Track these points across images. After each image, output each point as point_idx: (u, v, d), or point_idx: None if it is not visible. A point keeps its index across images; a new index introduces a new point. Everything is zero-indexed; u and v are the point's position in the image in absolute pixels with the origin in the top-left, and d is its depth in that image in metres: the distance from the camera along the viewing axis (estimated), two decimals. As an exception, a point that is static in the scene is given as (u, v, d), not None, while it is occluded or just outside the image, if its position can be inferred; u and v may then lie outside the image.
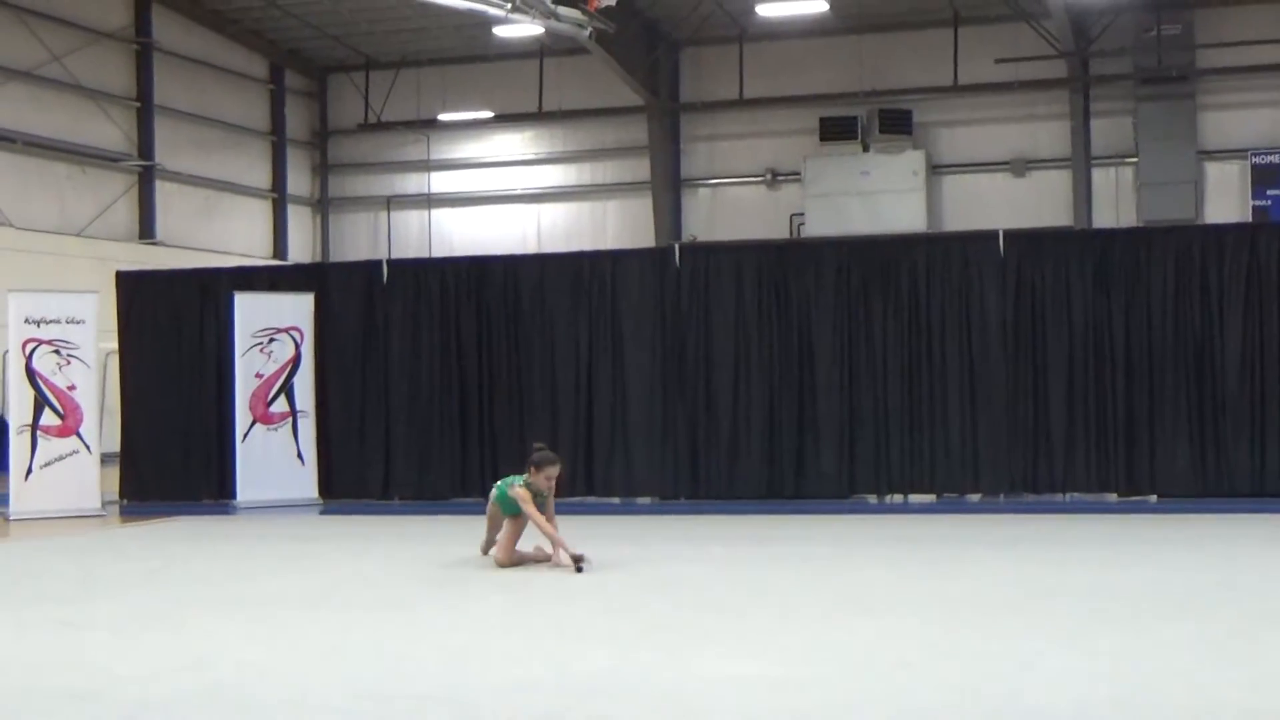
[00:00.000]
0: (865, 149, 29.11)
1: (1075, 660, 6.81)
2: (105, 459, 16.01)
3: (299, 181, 33.59)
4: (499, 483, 10.79)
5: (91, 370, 15.65)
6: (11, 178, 25.48)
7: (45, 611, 8.95)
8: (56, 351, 15.42)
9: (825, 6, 26.03)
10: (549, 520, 10.47)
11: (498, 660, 7.11)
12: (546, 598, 9.21)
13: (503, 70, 31.42)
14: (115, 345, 17.29)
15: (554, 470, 10.58)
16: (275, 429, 16.19)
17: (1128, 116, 28.08)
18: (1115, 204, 28.36)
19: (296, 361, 16.33)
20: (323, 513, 15.81)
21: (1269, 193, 27.16)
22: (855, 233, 26.10)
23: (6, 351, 16.11)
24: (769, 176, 30.56)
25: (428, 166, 33.11)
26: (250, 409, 16.12)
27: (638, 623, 8.18)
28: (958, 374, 15.08)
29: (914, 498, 15.16)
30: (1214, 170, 27.91)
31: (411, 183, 33.37)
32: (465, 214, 32.95)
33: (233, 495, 16.11)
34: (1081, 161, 28.36)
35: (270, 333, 16.23)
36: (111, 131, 27.86)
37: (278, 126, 32.78)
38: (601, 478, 15.85)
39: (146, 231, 28.41)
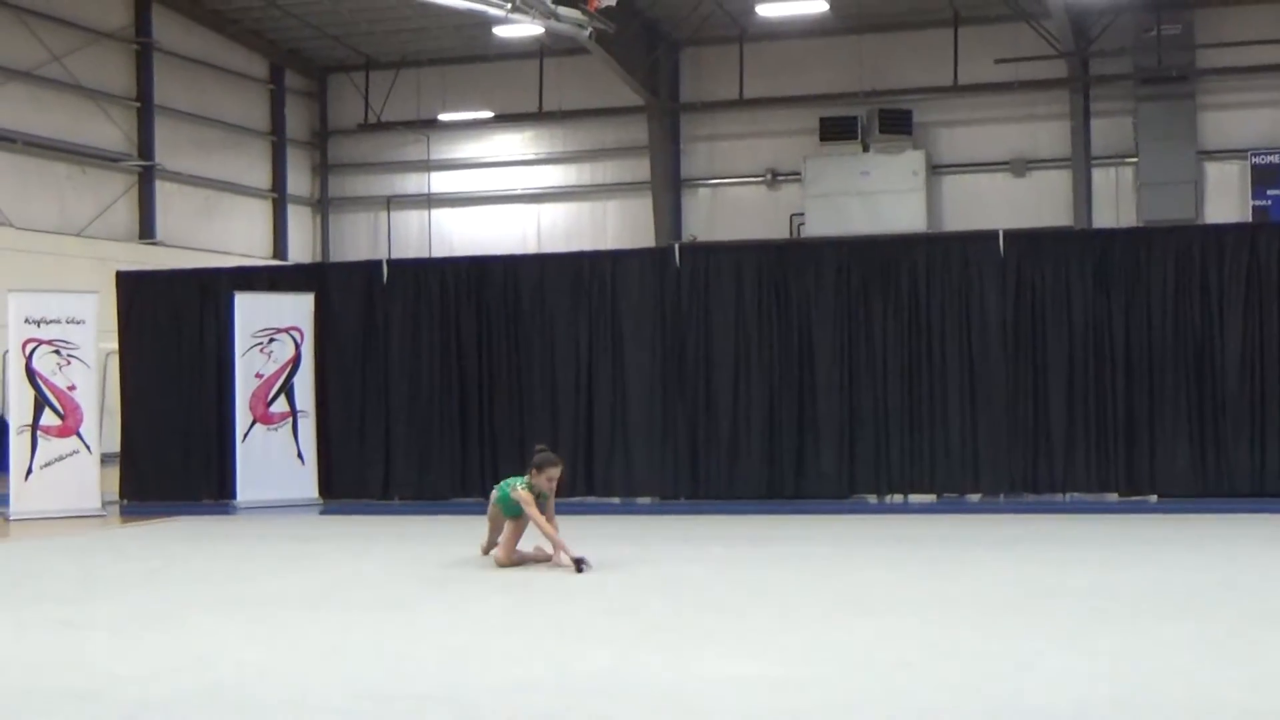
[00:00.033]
0: (865, 149, 29.12)
1: (1075, 660, 6.81)
2: (105, 459, 16.01)
3: (299, 181, 33.59)
4: (501, 484, 10.80)
5: (92, 370, 15.65)
6: (11, 178, 25.48)
7: (45, 611, 8.95)
8: (57, 351, 15.41)
9: (825, 6, 26.04)
10: (549, 521, 10.47)
11: (498, 660, 7.10)
12: (546, 598, 9.21)
13: (503, 70, 31.43)
14: (115, 345, 17.29)
15: (555, 471, 10.59)
16: (275, 429, 16.19)
17: (1128, 116, 28.09)
18: (1115, 204, 28.37)
19: (296, 361, 16.33)
20: (323, 513, 15.81)
21: (1269, 193, 27.16)
22: (855, 233, 26.10)
23: (6, 351, 16.11)
24: (769, 176, 30.56)
25: (428, 166, 33.12)
26: (250, 409, 16.12)
27: (638, 623, 8.18)
28: (958, 374, 15.08)
29: (914, 498, 15.16)
30: (1214, 170, 27.91)
31: (411, 183, 33.38)
32: (465, 214, 32.95)
33: (233, 495, 16.11)
34: (1081, 161, 28.37)
35: (270, 333, 16.23)
36: (111, 131, 27.86)
37: (278, 126, 32.79)
38: (601, 478, 15.85)
39: (146, 231, 28.42)
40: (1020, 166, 29.08)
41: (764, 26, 28.78)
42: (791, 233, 29.87)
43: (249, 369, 16.14)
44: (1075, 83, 28.32)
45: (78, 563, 11.79)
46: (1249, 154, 27.45)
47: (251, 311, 16.22)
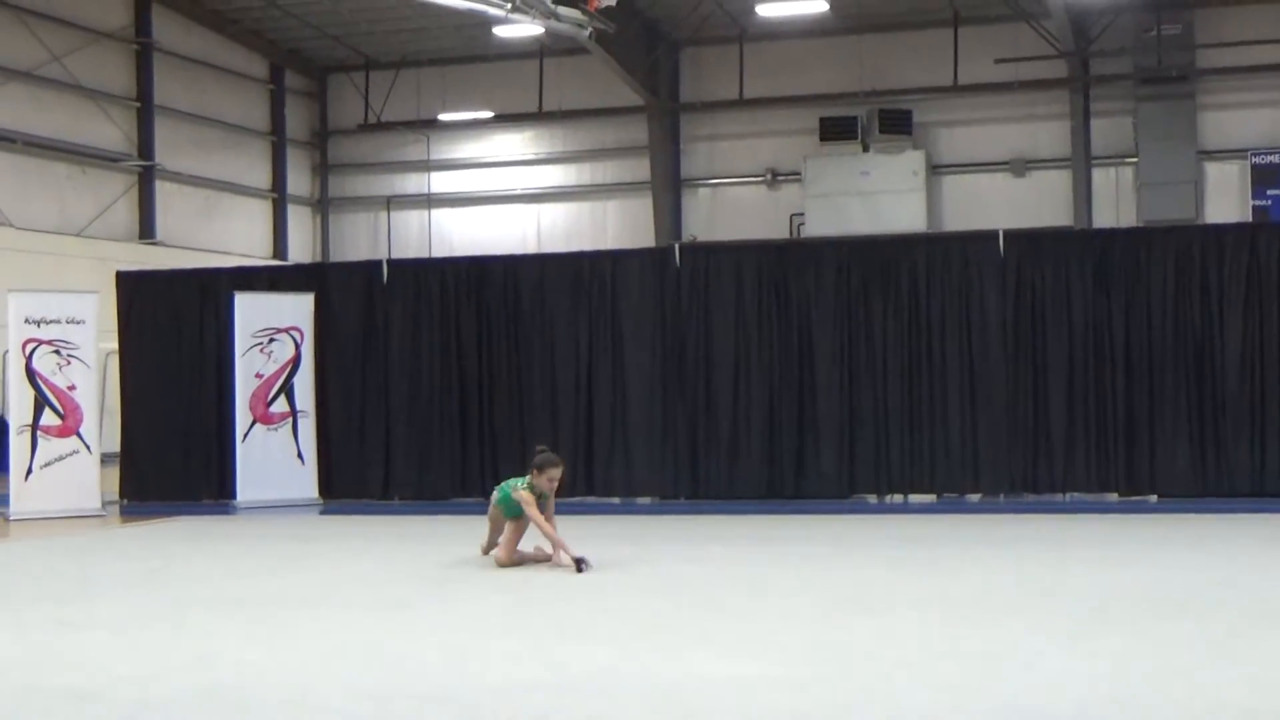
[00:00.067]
0: (865, 149, 29.12)
1: (1075, 660, 6.81)
2: (105, 459, 16.01)
3: (299, 181, 33.59)
4: (502, 484, 10.80)
5: (91, 370, 15.65)
6: (11, 178, 25.48)
7: (45, 611, 8.95)
8: (56, 351, 15.41)
9: (825, 6, 26.03)
10: (549, 521, 10.48)
11: (498, 660, 7.10)
12: (546, 598, 9.21)
13: (503, 70, 31.42)
14: (115, 345, 17.29)
15: (556, 472, 10.59)
16: (275, 429, 16.19)
17: (1128, 116, 28.09)
18: (1115, 204, 28.37)
19: (296, 361, 16.33)
20: (323, 513, 15.81)
21: (1269, 192, 27.17)
22: (855, 233, 26.10)
23: (6, 351, 16.11)
24: (769, 176, 30.56)
25: (428, 166, 33.12)
26: (250, 409, 16.12)
27: (638, 623, 8.18)
28: (958, 374, 15.08)
29: (914, 498, 15.16)
30: (1214, 170, 27.91)
31: (411, 183, 33.38)
32: (465, 214, 32.95)
33: (233, 495, 16.11)
34: (1081, 161, 28.37)
35: (270, 333, 16.24)
36: (111, 131, 27.87)
37: (278, 126, 32.79)
38: (601, 478, 15.85)
39: (146, 231, 28.42)
40: (1020, 166, 29.09)
41: (764, 26, 28.78)
42: (791, 233, 29.87)
43: (249, 369, 16.14)
44: (1075, 83, 28.32)
45: (78, 563, 11.80)
46: (1249, 154, 27.45)
47: (251, 311, 16.22)
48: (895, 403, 15.17)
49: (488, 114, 31.80)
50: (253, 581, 10.28)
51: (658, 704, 6.17)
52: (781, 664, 6.88)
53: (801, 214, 29.62)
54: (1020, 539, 11.85)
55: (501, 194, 32.67)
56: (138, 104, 28.48)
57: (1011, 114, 28.97)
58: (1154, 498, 14.60)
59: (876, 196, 28.74)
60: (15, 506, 15.13)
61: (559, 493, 10.92)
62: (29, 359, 15.32)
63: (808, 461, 15.34)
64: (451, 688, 6.54)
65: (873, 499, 15.24)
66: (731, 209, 30.85)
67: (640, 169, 31.18)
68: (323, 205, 34.09)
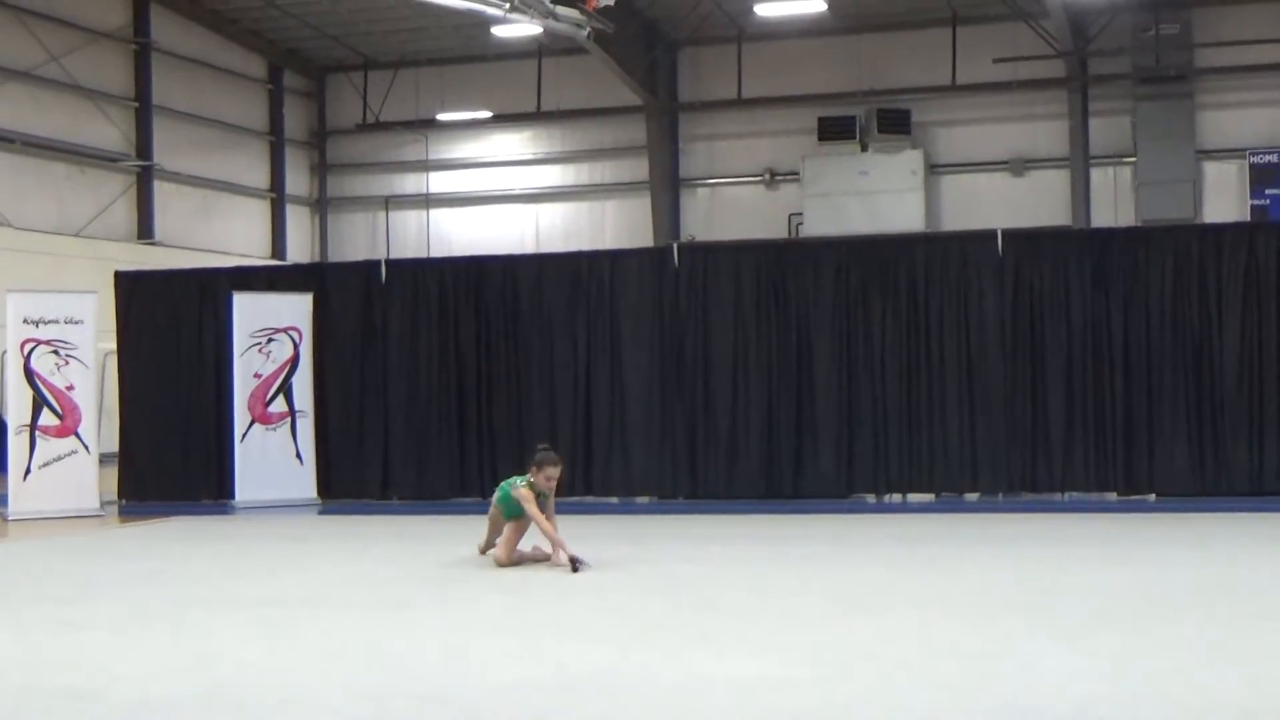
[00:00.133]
0: (864, 149, 29.12)
1: (1075, 660, 6.81)
2: (104, 459, 16.00)
3: (297, 181, 33.58)
4: (502, 484, 10.80)
5: (90, 370, 15.64)
6: (10, 178, 25.47)
7: (45, 611, 8.95)
8: (55, 351, 15.41)
9: (823, 6, 26.03)
10: (549, 520, 10.48)
11: (497, 660, 7.10)
12: (546, 598, 9.21)
13: (501, 70, 31.41)
14: (114, 345, 17.28)
15: (554, 471, 10.59)
16: (274, 429, 16.19)
17: (1126, 116, 28.10)
18: (1114, 203, 28.38)
19: (295, 361, 16.33)
20: (321, 513, 15.80)
21: (1267, 192, 27.17)
22: (854, 232, 26.10)
23: (5, 351, 16.11)
24: (767, 176, 30.56)
25: (426, 166, 33.11)
26: (249, 409, 16.12)
27: (637, 622, 8.18)
28: (956, 373, 15.09)
29: (913, 497, 15.17)
30: (1212, 170, 27.92)
31: (410, 183, 33.37)
32: (464, 214, 32.94)
33: (231, 495, 16.11)
34: (1080, 161, 28.37)
35: (269, 333, 16.23)
36: (110, 131, 27.85)
37: (276, 126, 32.77)
38: (600, 477, 15.86)
39: (145, 231, 28.41)
40: (1019, 166, 29.09)
41: (762, 26, 28.78)
42: (790, 232, 29.87)
43: (247, 369, 16.14)
44: (1074, 82, 28.32)
45: (77, 563, 11.80)
46: (1247, 153, 27.46)
47: (250, 311, 16.22)
48: (894, 402, 15.17)
49: (486, 114, 31.80)
50: (252, 581, 10.28)
51: (658, 704, 6.17)
52: (781, 664, 6.88)
53: (800, 214, 29.61)
54: (1019, 538, 11.85)
55: (500, 194, 32.67)
56: (136, 104, 28.47)
57: (1010, 114, 28.97)
58: (1152, 497, 14.61)
59: (875, 196, 28.74)
60: (14, 507, 15.13)
61: (558, 492, 10.92)
62: (27, 359, 15.32)
63: (806, 461, 15.34)
64: (451, 688, 6.54)
65: (871, 499, 15.25)
66: (730, 209, 30.85)
67: (639, 169, 31.18)
68: (321, 205, 34.08)
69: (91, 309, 15.67)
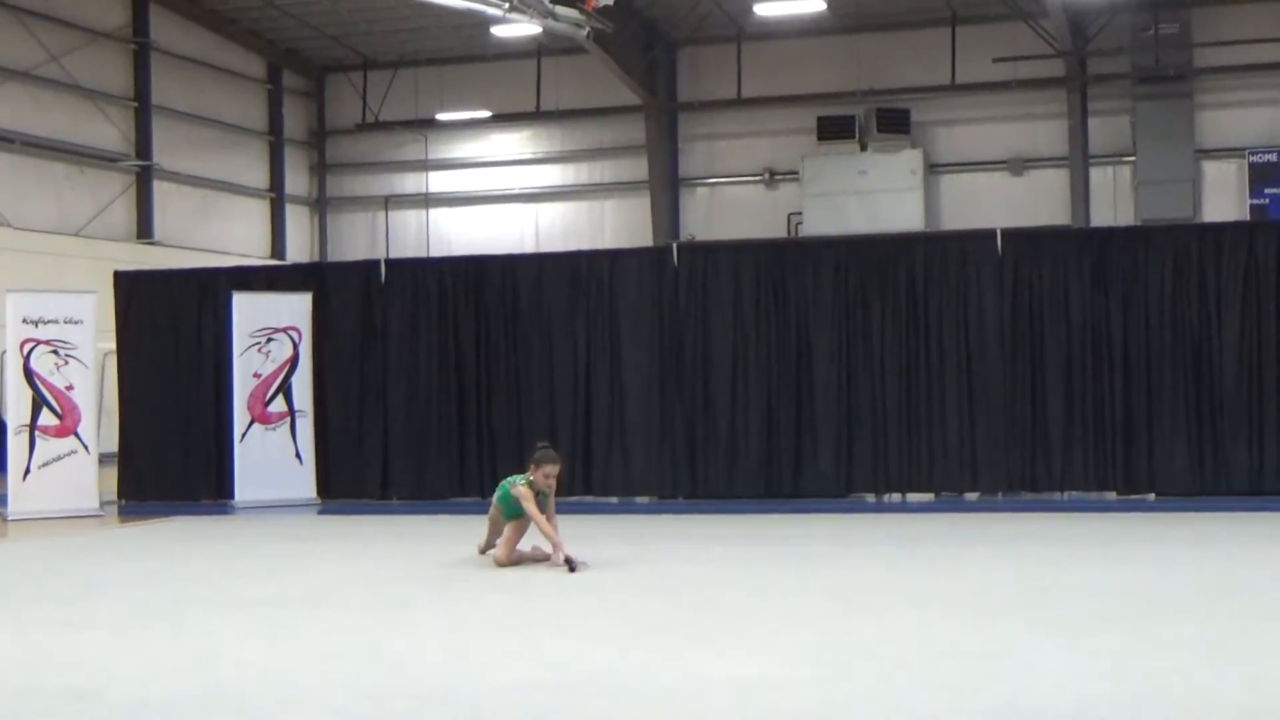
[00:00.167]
0: (863, 148, 29.12)
1: (1075, 659, 6.81)
2: (103, 459, 16.00)
3: (297, 181, 33.58)
4: (502, 483, 10.79)
5: (89, 370, 15.64)
6: (9, 178, 25.47)
7: (45, 611, 8.95)
8: (54, 351, 15.41)
9: (823, 6, 26.02)
10: (549, 520, 10.48)
11: (498, 660, 7.11)
12: (546, 598, 9.21)
13: (500, 70, 31.42)
14: (113, 345, 17.28)
15: (553, 469, 10.58)
16: (273, 429, 16.19)
17: (1125, 115, 28.10)
18: (1113, 203, 28.39)
19: (294, 361, 16.33)
20: (321, 513, 15.80)
21: (1267, 191, 27.18)
22: (853, 232, 26.09)
23: (4, 351, 16.10)
24: (767, 176, 30.56)
25: (425, 166, 33.11)
26: (248, 409, 16.12)
27: (637, 622, 8.18)
28: (956, 373, 15.09)
29: (912, 497, 15.17)
30: (1211, 169, 27.92)
31: (409, 182, 33.37)
32: (463, 214, 32.95)
33: (231, 495, 16.11)
34: (1079, 160, 28.38)
35: (268, 332, 16.23)
36: (109, 131, 27.85)
37: (275, 126, 32.77)
38: (600, 477, 15.86)
39: (144, 231, 28.41)
40: (1018, 165, 29.09)
41: (762, 26, 28.79)
42: (789, 232, 29.87)
43: (247, 369, 16.14)
44: (1073, 82, 28.33)
45: (76, 563, 11.80)
46: (1246, 153, 27.46)
47: (249, 311, 16.22)
48: (893, 402, 15.17)
49: (485, 114, 31.80)
50: (252, 581, 10.28)
51: (658, 704, 6.17)
52: (781, 664, 6.88)
53: (799, 213, 29.61)
54: (1018, 538, 11.85)
55: (499, 194, 32.67)
56: (135, 104, 28.47)
57: (1009, 113, 28.98)
58: (1152, 496, 14.61)
59: (874, 196, 28.74)
60: (13, 507, 15.13)
61: (558, 491, 10.92)
62: (27, 359, 15.32)
63: (806, 461, 15.34)
64: (451, 688, 6.54)
65: (871, 498, 15.25)
66: (729, 208, 30.85)
67: (638, 168, 31.18)
68: (321, 205, 34.08)
69: (91, 309, 15.67)
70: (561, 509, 11.07)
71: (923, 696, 6.16)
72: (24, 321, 15.37)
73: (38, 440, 15.26)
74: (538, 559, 10.61)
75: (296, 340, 16.33)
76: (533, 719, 5.97)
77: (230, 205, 31.45)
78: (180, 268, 19.08)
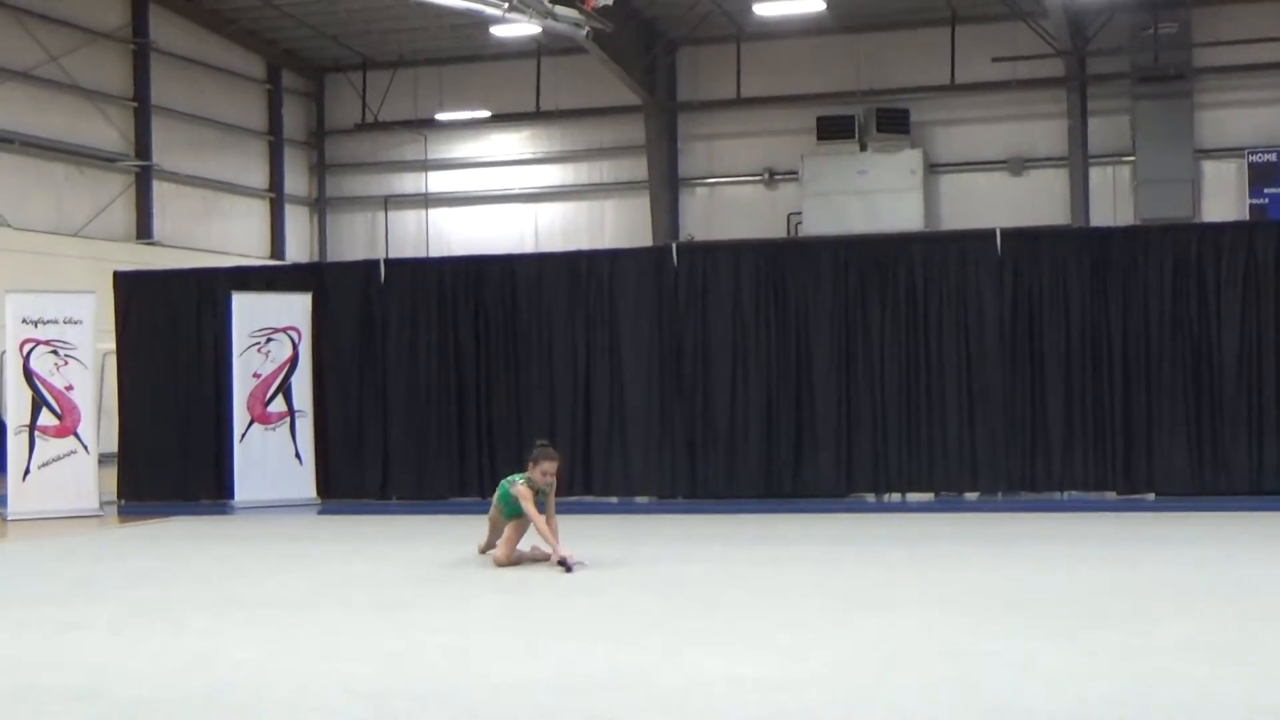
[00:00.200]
0: (863, 148, 29.12)
1: (1074, 659, 6.81)
2: (103, 459, 16.00)
3: (296, 181, 33.58)
4: (502, 481, 10.79)
5: (89, 370, 15.64)
6: (9, 178, 25.47)
7: (44, 612, 8.95)
8: (54, 352, 15.41)
9: (822, 6, 26.02)
10: (549, 519, 10.48)
11: (497, 660, 7.11)
12: (545, 597, 9.22)
13: (500, 70, 31.42)
14: (113, 345, 17.28)
15: (550, 465, 10.57)
16: (273, 429, 16.19)
17: (1125, 115, 28.10)
18: (1113, 202, 28.39)
19: (294, 361, 16.33)
20: (320, 513, 15.80)
21: (1266, 191, 27.19)
22: (853, 232, 26.12)
23: (4, 352, 16.10)
24: (766, 176, 30.57)
25: (425, 166, 33.11)
26: (248, 409, 16.12)
27: (637, 622, 8.18)
28: (955, 372, 15.09)
29: (912, 496, 15.17)
30: (1211, 169, 27.93)
31: (409, 182, 33.37)
32: (463, 214, 32.95)
33: (230, 495, 16.11)
34: (1079, 160, 28.38)
35: (268, 332, 16.23)
36: (109, 132, 27.85)
37: (275, 126, 32.77)
38: (599, 477, 15.86)
39: (144, 232, 28.40)
40: (1017, 165, 29.10)
41: (761, 26, 28.79)
42: (789, 232, 29.88)
43: (246, 369, 16.13)
44: (1072, 81, 28.34)
45: (76, 563, 11.79)
46: (1246, 152, 27.47)
47: (249, 311, 16.22)
48: (893, 401, 15.17)
49: (485, 114, 31.81)
50: (251, 581, 10.28)
51: (658, 704, 6.17)
52: (781, 663, 6.88)
53: (799, 213, 29.62)
54: (1018, 538, 11.85)
55: (499, 193, 32.67)
56: (135, 104, 28.47)
57: (1009, 113, 28.98)
58: (1152, 496, 14.61)
59: (874, 195, 28.74)
60: (13, 507, 15.13)
61: (558, 490, 10.92)
62: (26, 359, 15.32)
63: (805, 460, 15.34)
64: (451, 688, 6.54)
65: (870, 498, 15.25)
66: (729, 208, 30.85)
67: (637, 168, 31.18)
68: (320, 205, 34.08)
69: (90, 309, 15.67)
70: (561, 509, 11.07)
71: (923, 696, 6.16)
72: (23, 322, 15.37)
73: (37, 440, 15.27)
74: (537, 559, 10.61)
75: (296, 340, 16.33)
76: (533, 719, 5.97)
77: (230, 205, 31.45)
78: (180, 268, 19.08)
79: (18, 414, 15.30)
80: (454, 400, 16.30)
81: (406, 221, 33.37)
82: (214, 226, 30.69)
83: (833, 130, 29.13)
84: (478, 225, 32.50)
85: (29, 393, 15.30)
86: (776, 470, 15.39)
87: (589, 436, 15.87)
